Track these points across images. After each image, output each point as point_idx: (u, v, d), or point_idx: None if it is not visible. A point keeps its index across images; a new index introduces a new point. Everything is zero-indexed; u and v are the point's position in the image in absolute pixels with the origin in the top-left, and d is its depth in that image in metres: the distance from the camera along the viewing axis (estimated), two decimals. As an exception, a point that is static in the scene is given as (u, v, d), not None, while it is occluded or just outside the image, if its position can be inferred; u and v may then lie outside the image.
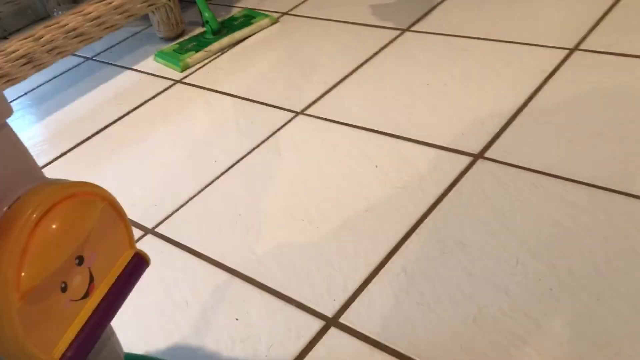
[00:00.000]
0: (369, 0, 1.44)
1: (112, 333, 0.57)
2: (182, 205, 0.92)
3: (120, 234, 0.52)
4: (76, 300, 0.47)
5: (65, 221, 0.45)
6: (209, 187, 0.94)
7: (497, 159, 0.86)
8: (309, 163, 0.95)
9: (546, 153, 0.85)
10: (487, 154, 0.87)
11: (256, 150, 1.00)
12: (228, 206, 0.89)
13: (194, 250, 0.82)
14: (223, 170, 0.97)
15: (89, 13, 1.29)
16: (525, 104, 0.96)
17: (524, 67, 1.05)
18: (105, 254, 0.50)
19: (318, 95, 1.12)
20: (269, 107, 1.11)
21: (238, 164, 0.98)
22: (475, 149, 0.88)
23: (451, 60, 1.12)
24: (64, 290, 0.46)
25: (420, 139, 0.93)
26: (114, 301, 0.51)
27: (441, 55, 1.15)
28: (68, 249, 0.45)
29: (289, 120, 1.06)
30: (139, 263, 0.54)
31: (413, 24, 1.29)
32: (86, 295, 0.48)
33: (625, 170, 0.78)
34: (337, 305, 0.69)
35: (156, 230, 0.88)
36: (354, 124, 1.01)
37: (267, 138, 1.03)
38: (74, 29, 1.26)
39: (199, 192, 0.94)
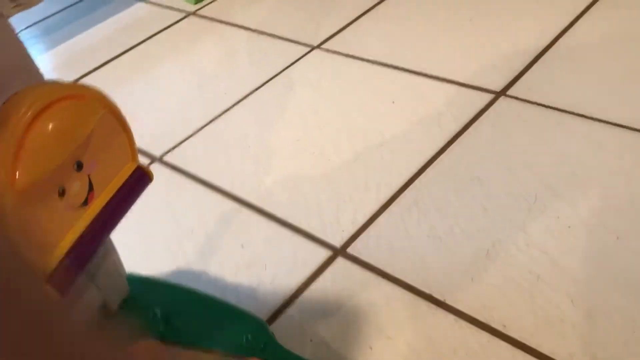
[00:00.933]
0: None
1: (113, 249, 0.56)
2: (190, 135, 0.89)
3: (122, 145, 0.50)
4: (75, 208, 0.45)
5: (62, 121, 0.43)
6: (218, 119, 0.92)
7: (520, 96, 0.82)
8: (323, 97, 0.91)
9: (572, 92, 0.80)
10: (510, 92, 0.83)
11: (269, 83, 0.97)
12: (238, 137, 0.87)
13: (202, 179, 0.81)
14: (234, 102, 0.94)
15: (101, -61, 1.24)
16: (553, 43, 0.91)
17: (555, 4, 1.00)
18: (106, 163, 0.48)
19: (336, 29, 1.07)
20: (284, 41, 1.07)
21: (249, 96, 0.95)
22: (498, 86, 0.84)
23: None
24: (61, 194, 0.44)
25: (440, 76, 0.89)
26: (114, 213, 0.49)
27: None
28: (65, 151, 0.43)
29: (305, 54, 1.02)
30: (142, 177, 0.52)
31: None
32: (85, 203, 0.46)
33: None
34: (345, 236, 0.67)
35: (164, 159, 0.86)
36: (372, 59, 0.97)
37: (281, 72, 0.99)
38: (86, -45, 1.22)
39: (209, 122, 0.91)
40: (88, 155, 0.46)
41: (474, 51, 0.93)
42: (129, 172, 0.51)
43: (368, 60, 0.97)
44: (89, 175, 0.46)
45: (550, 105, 0.79)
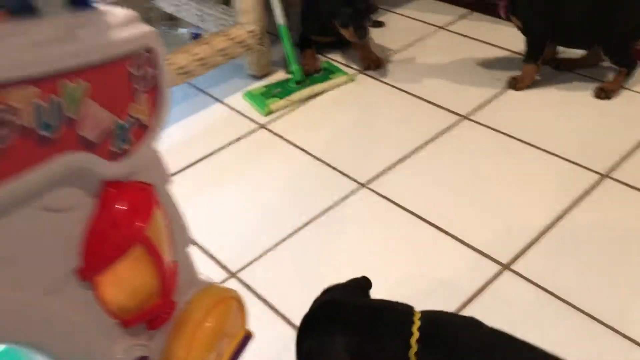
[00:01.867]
0: (440, 77, 1.61)
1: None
2: (260, 256, 1.13)
3: (241, 320, 0.73)
4: (210, 367, 0.69)
5: (217, 321, 0.66)
6: (284, 242, 1.15)
7: (522, 272, 1.05)
8: (365, 237, 1.15)
9: (562, 277, 1.03)
10: (513, 266, 1.06)
11: (325, 214, 1.21)
12: (299, 263, 1.10)
13: (268, 302, 1.04)
14: (294, 229, 1.18)
15: (196, 54, 1.50)
16: (554, 223, 1.14)
17: (562, 183, 1.23)
18: (231, 336, 0.71)
19: (380, 170, 1.31)
20: (338, 174, 1.31)
21: (308, 225, 1.19)
22: (504, 258, 1.08)
23: (499, 159, 1.31)
24: (206, 363, 0.67)
25: (459, 237, 1.13)
26: (230, 366, 0.72)
27: (491, 151, 1.33)
28: (217, 339, 0.67)
29: (353, 191, 1.26)
30: (247, 338, 0.75)
31: (472, 112, 1.47)
32: (216, 364, 0.70)
33: (619, 305, 0.97)
34: None
35: (238, 275, 1.10)
36: (406, 207, 1.21)
37: (333, 206, 1.23)
38: (181, 67, 1.47)
39: (274, 246, 1.15)
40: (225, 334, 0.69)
41: (489, 218, 1.17)
42: (242, 336, 0.74)
43: (403, 208, 1.21)
44: (222, 346, 0.70)
45: (543, 286, 1.02)
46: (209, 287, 0.69)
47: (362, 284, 0.78)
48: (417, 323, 0.66)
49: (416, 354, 0.65)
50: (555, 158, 1.31)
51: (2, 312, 0.46)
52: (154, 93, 0.55)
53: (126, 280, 0.56)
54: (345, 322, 0.69)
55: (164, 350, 0.63)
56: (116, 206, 0.53)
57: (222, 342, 0.70)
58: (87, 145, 0.49)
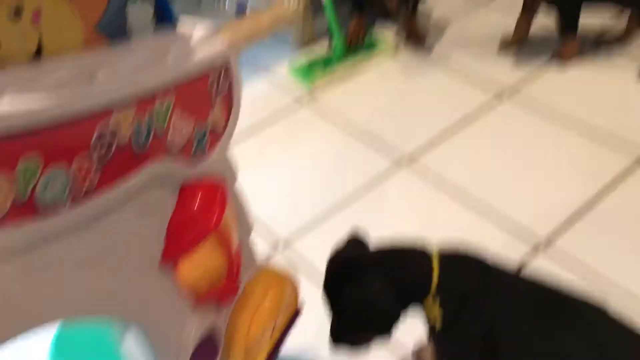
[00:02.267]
0: (483, 54, 1.62)
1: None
2: (307, 229, 1.20)
3: (293, 299, 0.81)
4: (265, 340, 0.77)
5: (274, 300, 0.74)
6: (333, 214, 1.22)
7: (554, 255, 1.10)
8: (407, 209, 1.21)
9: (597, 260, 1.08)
10: (546, 248, 1.11)
11: (369, 187, 1.27)
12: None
13: (314, 274, 1.11)
14: (340, 202, 1.24)
15: (242, 29, 1.54)
16: (590, 205, 1.18)
17: (600, 167, 1.26)
18: (286, 312, 0.79)
19: (422, 144, 1.36)
20: (382, 146, 1.36)
21: (353, 199, 1.25)
22: (538, 239, 1.13)
23: (543, 140, 1.34)
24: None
25: (496, 215, 1.18)
26: (282, 337, 0.80)
27: (534, 131, 1.36)
28: (275, 317, 0.74)
29: (397, 163, 1.31)
30: (297, 314, 0.83)
31: (514, 90, 1.49)
32: (270, 337, 0.78)
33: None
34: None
35: (285, 247, 1.17)
36: (447, 183, 1.26)
37: (376, 180, 1.28)
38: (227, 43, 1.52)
39: (323, 219, 1.21)
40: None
41: (529, 197, 1.21)
42: (293, 313, 0.82)
43: (442, 182, 1.26)
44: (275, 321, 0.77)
45: (577, 269, 1.07)
46: (268, 270, 0.76)
47: (361, 240, 0.81)
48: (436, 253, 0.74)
49: (438, 276, 0.71)
50: (597, 138, 1.33)
51: (105, 291, 0.54)
52: (228, 100, 0.61)
53: (200, 264, 0.63)
54: (371, 268, 0.73)
55: (228, 326, 0.71)
56: (194, 202, 0.60)
57: (278, 319, 0.78)
58: (171, 153, 0.55)
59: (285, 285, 0.77)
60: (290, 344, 0.95)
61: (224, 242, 0.64)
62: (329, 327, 0.77)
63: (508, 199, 1.22)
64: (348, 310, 0.73)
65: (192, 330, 0.64)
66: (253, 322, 0.71)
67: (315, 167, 1.36)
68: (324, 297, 0.76)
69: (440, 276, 0.71)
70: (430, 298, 0.71)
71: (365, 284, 0.71)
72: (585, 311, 0.68)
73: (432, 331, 0.74)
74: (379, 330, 0.74)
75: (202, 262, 0.63)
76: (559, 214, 1.17)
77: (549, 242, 1.13)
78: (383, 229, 1.21)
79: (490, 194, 1.24)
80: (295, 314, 0.83)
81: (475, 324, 0.70)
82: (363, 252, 0.77)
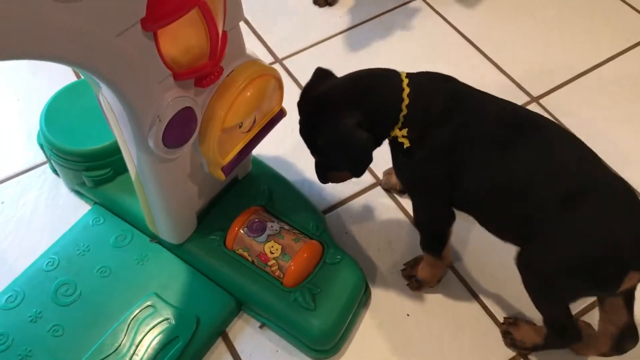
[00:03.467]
0: None
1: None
2: (305, 48, 1.18)
3: (278, 97, 0.82)
4: (244, 133, 0.79)
5: (257, 91, 0.75)
6: (332, 38, 1.20)
7: (548, 107, 1.09)
8: (411, 48, 1.18)
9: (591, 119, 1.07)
10: (542, 100, 1.10)
11: (373, 19, 1.23)
12: (343, 59, 1.16)
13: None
14: (343, 28, 1.21)
15: None
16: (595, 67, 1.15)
17: (618, 28, 1.20)
18: (267, 107, 0.81)
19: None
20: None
21: (356, 26, 1.22)
22: (536, 92, 1.11)
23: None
24: (240, 126, 0.77)
25: (500, 66, 1.15)
26: (259, 136, 0.83)
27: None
28: (253, 107, 0.76)
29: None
30: (280, 114, 0.84)
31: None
32: (249, 130, 0.80)
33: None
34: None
35: (284, 62, 1.17)
36: (457, 28, 1.22)
37: (388, 10, 1.24)
38: None
39: (321, 40, 1.19)
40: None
41: (534, 53, 1.17)
42: (276, 112, 0.83)
43: (453, 27, 1.22)
44: (255, 115, 0.79)
45: (565, 124, 1.07)
46: (253, 62, 0.76)
47: (328, 72, 0.79)
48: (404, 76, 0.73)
49: (408, 95, 0.71)
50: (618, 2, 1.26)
51: (82, 44, 0.54)
52: None
53: (181, 37, 0.63)
54: (344, 100, 0.73)
55: (207, 108, 0.72)
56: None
57: (258, 113, 0.80)
58: None
59: (269, 80, 0.77)
60: (269, 149, 0.98)
61: (208, 19, 0.63)
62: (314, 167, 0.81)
63: (516, 49, 1.19)
64: (326, 149, 0.75)
65: (171, 98, 0.65)
66: (232, 107, 0.73)
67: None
68: (302, 138, 0.77)
69: (409, 95, 0.71)
70: (400, 119, 0.72)
71: (339, 123, 0.71)
72: (548, 130, 0.69)
73: (397, 156, 0.76)
74: (354, 166, 0.76)
75: (182, 36, 0.63)
76: (559, 74, 1.15)
77: (542, 95, 1.12)
78: (385, 58, 1.20)
79: (500, 42, 1.20)
80: (278, 114, 0.84)
81: (439, 145, 0.71)
82: (332, 84, 0.76)
